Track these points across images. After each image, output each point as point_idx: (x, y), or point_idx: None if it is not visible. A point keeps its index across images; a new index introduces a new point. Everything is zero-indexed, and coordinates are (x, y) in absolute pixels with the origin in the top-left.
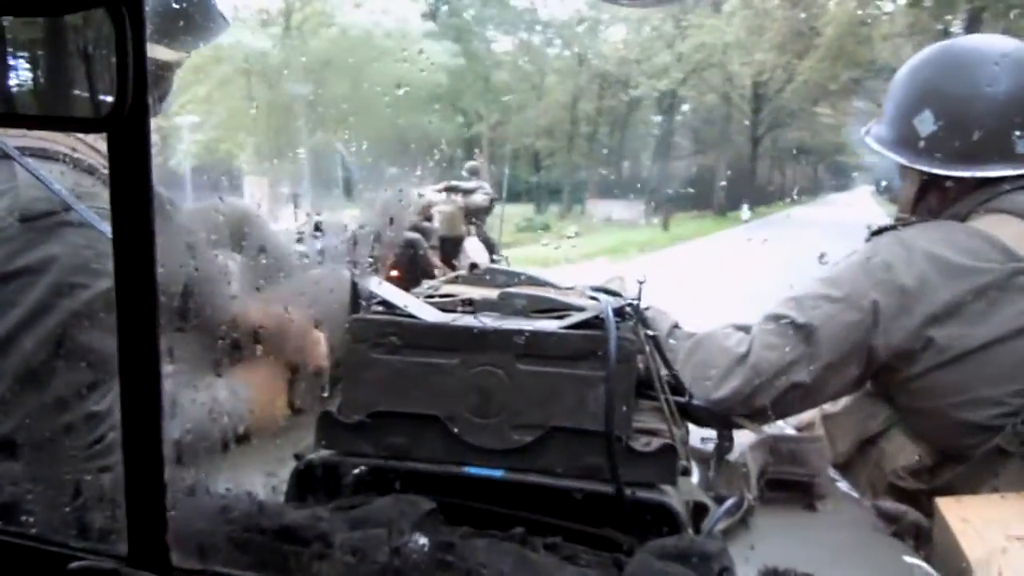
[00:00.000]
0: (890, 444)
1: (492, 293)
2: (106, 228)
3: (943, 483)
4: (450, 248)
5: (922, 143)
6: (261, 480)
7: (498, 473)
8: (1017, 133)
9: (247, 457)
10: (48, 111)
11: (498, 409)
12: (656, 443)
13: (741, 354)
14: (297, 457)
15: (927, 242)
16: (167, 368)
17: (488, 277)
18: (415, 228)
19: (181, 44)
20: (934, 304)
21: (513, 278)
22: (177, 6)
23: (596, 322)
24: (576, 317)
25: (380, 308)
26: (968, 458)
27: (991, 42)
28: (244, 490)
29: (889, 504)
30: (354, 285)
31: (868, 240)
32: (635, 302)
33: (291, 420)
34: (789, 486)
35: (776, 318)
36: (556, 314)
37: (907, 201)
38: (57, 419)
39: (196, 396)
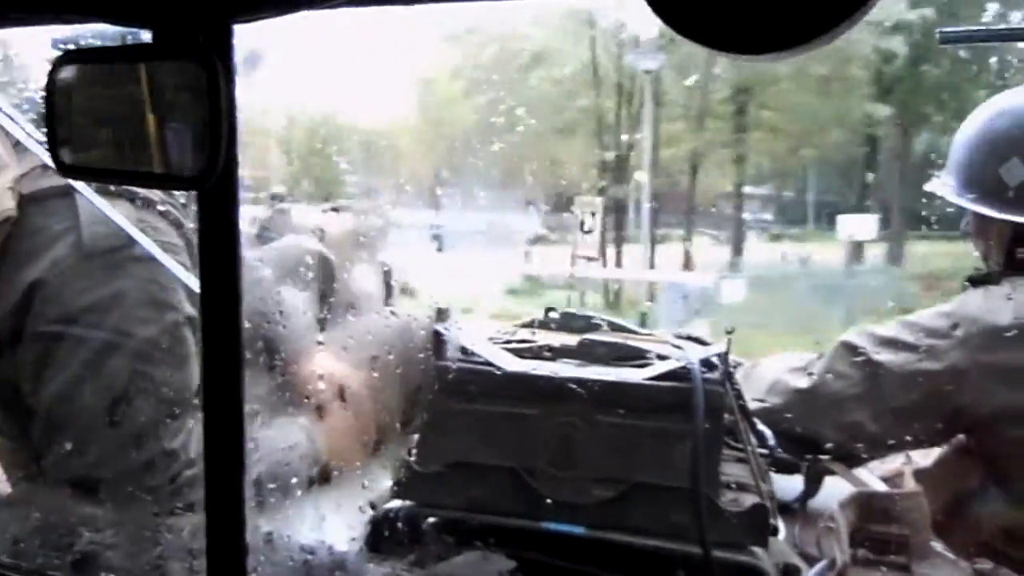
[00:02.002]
0: (986, 504)
1: (572, 339)
2: (170, 262)
3: None
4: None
5: (1010, 193)
6: (338, 528)
7: (578, 530)
8: None
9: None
10: (142, 166)
11: (579, 462)
12: (745, 501)
13: (802, 368)
14: (372, 507)
15: (1020, 300)
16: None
17: (565, 323)
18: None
19: None
20: (1022, 367)
21: (591, 325)
22: None
23: (682, 372)
24: (661, 367)
25: (460, 355)
26: None
27: None
28: (322, 543)
29: (988, 568)
30: (436, 332)
31: (963, 290)
32: (722, 352)
33: (368, 464)
34: (882, 545)
35: (849, 347)
36: (639, 362)
37: (992, 253)
38: (132, 457)
39: (276, 441)
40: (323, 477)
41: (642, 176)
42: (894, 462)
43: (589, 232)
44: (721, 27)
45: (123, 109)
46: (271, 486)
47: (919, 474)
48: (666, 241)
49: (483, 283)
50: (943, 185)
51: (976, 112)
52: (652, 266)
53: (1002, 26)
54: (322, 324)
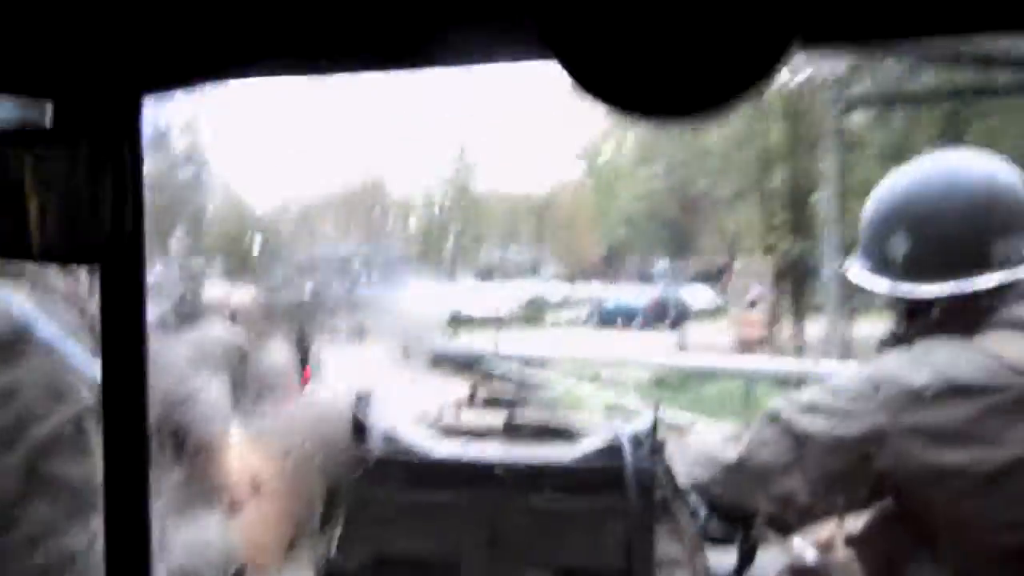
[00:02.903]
0: (918, 567)
1: (495, 418)
2: (73, 349)
3: None
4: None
5: (898, 266)
6: None
7: None
8: (990, 241)
9: None
10: (41, 240)
11: (510, 547)
12: None
13: (730, 440)
14: None
15: (936, 359)
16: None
17: (489, 402)
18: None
19: None
20: (945, 426)
21: (514, 404)
22: None
23: (612, 449)
24: (590, 444)
25: (381, 441)
26: None
27: (955, 158)
28: None
29: None
30: (355, 417)
31: (877, 352)
32: (650, 426)
33: (287, 561)
34: None
35: (773, 416)
36: (566, 439)
37: (903, 318)
38: (29, 563)
39: (187, 538)
40: (242, 574)
41: (829, 229)
42: (825, 528)
43: (754, 305)
44: (638, 90)
45: (19, 176)
46: None
47: (850, 540)
48: (867, 312)
49: (629, 370)
50: (847, 266)
51: (871, 192)
52: (845, 347)
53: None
54: (237, 414)
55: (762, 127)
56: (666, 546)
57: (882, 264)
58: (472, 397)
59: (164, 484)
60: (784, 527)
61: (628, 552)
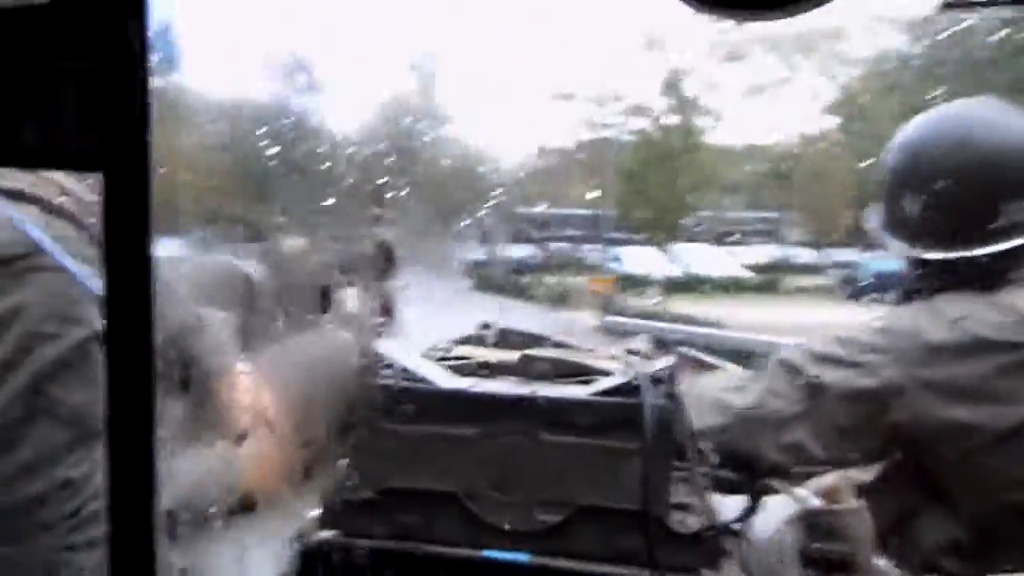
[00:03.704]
0: (927, 519)
1: (509, 355)
2: (83, 272)
3: (986, 565)
4: (319, 297)
5: (911, 227)
6: (263, 561)
7: (522, 557)
8: (1003, 203)
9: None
10: (32, 142)
11: (522, 485)
12: (693, 523)
13: (741, 387)
14: (299, 538)
15: (954, 314)
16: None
17: (503, 339)
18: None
19: None
20: (962, 382)
21: (531, 340)
22: None
23: (629, 388)
24: (607, 382)
25: (390, 373)
26: (1009, 538)
27: (962, 110)
28: None
29: None
30: (366, 349)
31: (898, 304)
32: (670, 366)
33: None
34: (828, 564)
35: (786, 365)
36: (582, 379)
37: (922, 274)
38: (29, 485)
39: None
40: (246, 507)
41: None
42: (829, 478)
43: None
44: None
45: (8, 72)
46: (186, 518)
47: (862, 489)
48: None
49: None
50: (867, 219)
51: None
52: None
53: None
54: (248, 345)
55: None
56: (678, 489)
57: (897, 224)
58: (488, 332)
59: (169, 413)
60: (794, 476)
61: (644, 493)
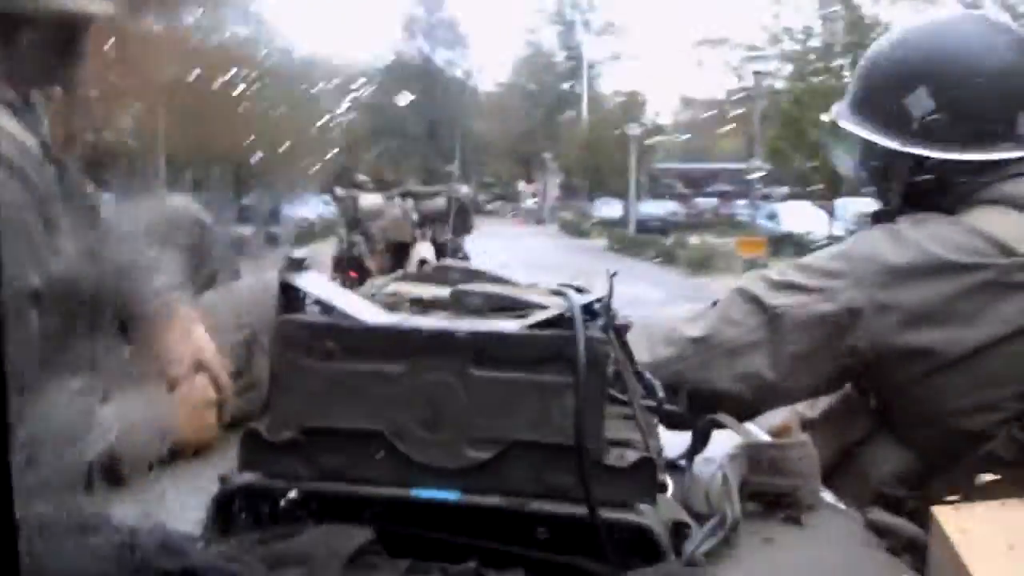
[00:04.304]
0: (875, 450)
1: (443, 291)
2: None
3: (934, 491)
4: (395, 252)
5: (915, 125)
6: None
7: (452, 496)
8: (1019, 112)
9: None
10: None
11: (451, 422)
12: (631, 456)
13: (695, 318)
14: (221, 481)
15: (917, 237)
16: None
17: (439, 274)
18: (361, 232)
19: None
20: (922, 304)
21: (467, 275)
22: None
23: (562, 321)
24: (539, 316)
25: (314, 308)
26: (958, 465)
27: (983, 18)
28: (148, 524)
29: (880, 516)
30: (283, 284)
31: (862, 229)
32: (605, 298)
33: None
34: (771, 498)
35: (743, 293)
36: (517, 313)
37: (892, 188)
38: None
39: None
40: (178, 453)
41: None
42: (780, 414)
43: None
44: None
45: None
46: (114, 464)
47: (807, 423)
48: None
49: None
50: (838, 115)
51: (877, 42)
52: None
53: None
54: (192, 288)
55: None
56: (617, 424)
57: (892, 119)
58: (422, 266)
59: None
60: (744, 410)
61: (577, 427)
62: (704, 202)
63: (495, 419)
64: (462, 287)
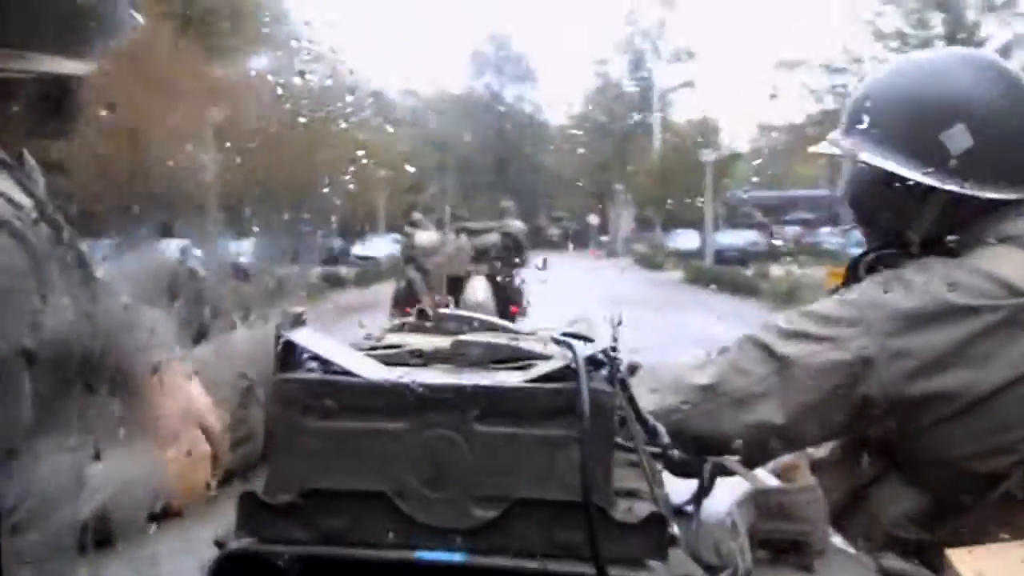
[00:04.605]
0: (885, 490)
1: (444, 342)
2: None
3: (947, 533)
4: (451, 287)
5: (952, 161)
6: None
7: (458, 557)
8: None
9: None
10: None
11: (455, 480)
12: (641, 510)
13: (703, 365)
14: (219, 545)
15: (925, 282)
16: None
17: (438, 324)
18: (417, 267)
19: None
20: (933, 351)
21: (465, 324)
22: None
23: (566, 372)
24: (542, 367)
25: (313, 365)
26: (970, 506)
27: (987, 54)
28: None
29: (893, 562)
30: (281, 340)
31: (865, 275)
32: (610, 347)
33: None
34: (781, 546)
35: (752, 341)
36: (519, 364)
37: (915, 228)
38: None
39: (115, 473)
40: (171, 513)
41: None
42: (788, 457)
43: None
44: None
45: None
46: (104, 525)
47: (815, 464)
48: None
49: None
50: (853, 148)
51: (890, 74)
52: None
53: None
54: (184, 339)
55: None
56: (624, 474)
57: (926, 155)
58: (421, 317)
59: (98, 415)
60: (752, 458)
61: (584, 483)
62: (788, 231)
63: (500, 476)
64: (463, 338)
